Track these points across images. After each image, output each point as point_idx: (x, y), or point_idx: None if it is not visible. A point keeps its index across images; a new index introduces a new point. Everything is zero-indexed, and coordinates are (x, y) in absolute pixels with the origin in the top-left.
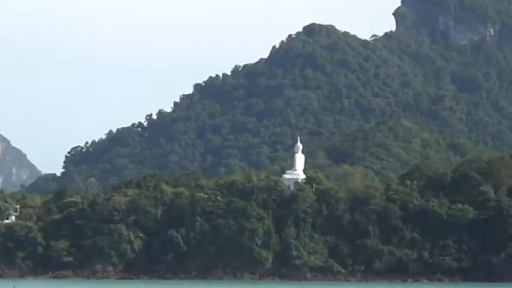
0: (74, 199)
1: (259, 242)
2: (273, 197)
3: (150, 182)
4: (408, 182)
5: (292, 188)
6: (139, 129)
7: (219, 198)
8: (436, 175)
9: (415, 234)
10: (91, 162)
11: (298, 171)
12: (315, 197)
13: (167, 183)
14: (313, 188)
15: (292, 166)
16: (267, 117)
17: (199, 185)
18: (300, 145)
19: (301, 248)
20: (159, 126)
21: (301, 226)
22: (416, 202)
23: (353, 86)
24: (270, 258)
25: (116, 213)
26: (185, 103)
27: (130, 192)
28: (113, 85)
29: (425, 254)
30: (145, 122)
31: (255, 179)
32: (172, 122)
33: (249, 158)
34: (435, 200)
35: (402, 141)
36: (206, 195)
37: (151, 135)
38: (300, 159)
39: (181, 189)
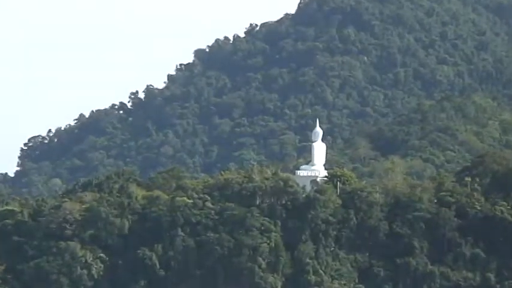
0: (10, 207)
1: (263, 264)
2: (283, 201)
3: (114, 182)
4: (468, 179)
5: (308, 189)
6: (120, 112)
7: (208, 204)
8: (506, 170)
9: (477, 251)
10: (55, 158)
11: (317, 167)
12: (339, 201)
13: (138, 184)
14: (338, 189)
15: (309, 159)
16: (294, 93)
17: (182, 186)
18: (319, 130)
19: (321, 271)
20: (148, 107)
21: (321, 241)
22: (478, 207)
23: (410, 51)
24: (279, 284)
25: (67, 226)
26: (183, 76)
27: (88, 197)
28: (84, 52)
29: (491, 276)
30: (128, 102)
31: (257, 177)
32: (165, 102)
33: (269, 150)
34: (504, 204)
35: (475, 124)
36: (191, 201)
37: (136, 120)
38: (319, 149)
39: (157, 192)
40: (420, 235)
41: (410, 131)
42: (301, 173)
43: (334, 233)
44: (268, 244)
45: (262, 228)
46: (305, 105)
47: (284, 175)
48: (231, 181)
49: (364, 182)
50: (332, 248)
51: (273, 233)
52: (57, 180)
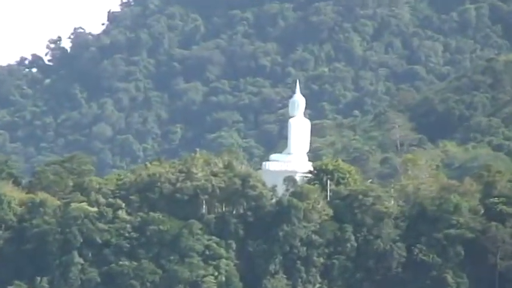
0: None
1: None
2: (240, 210)
3: None
4: None
5: (281, 191)
6: (33, 70)
7: (122, 214)
8: None
9: None
10: None
11: (295, 157)
12: (330, 211)
13: (16, 182)
14: (329, 192)
15: (283, 146)
16: (302, 43)
17: (83, 186)
18: (298, 99)
19: None
20: (76, 64)
21: (299, 274)
22: None
23: None
24: None
25: None
26: (131, 15)
27: None
28: None
29: None
30: (46, 55)
31: (200, 172)
32: (102, 55)
33: (263, 131)
34: None
35: None
36: (95, 209)
37: (57, 83)
38: (299, 129)
39: (42, 195)
40: (457, 265)
41: (474, 103)
42: (269, 166)
43: (321, 260)
44: (216, 278)
45: (207, 252)
46: (319, 60)
47: (243, 169)
48: (159, 178)
49: (370, 181)
50: (317, 285)
51: (224, 261)
52: None
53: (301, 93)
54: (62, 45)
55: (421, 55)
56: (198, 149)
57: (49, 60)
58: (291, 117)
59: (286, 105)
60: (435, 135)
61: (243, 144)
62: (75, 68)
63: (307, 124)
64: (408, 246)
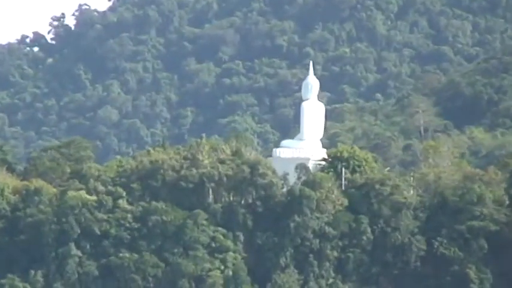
0: None
1: None
2: (249, 200)
3: None
4: None
5: (293, 179)
6: (34, 49)
7: (123, 203)
8: None
9: None
10: None
11: (307, 143)
12: (345, 201)
13: (10, 168)
14: (343, 181)
15: (296, 132)
16: (320, 21)
17: (81, 173)
18: (312, 82)
19: None
20: (79, 42)
21: (311, 268)
22: None
23: None
24: None
25: None
26: None
27: None
28: None
29: None
30: (48, 33)
31: (206, 159)
32: (108, 33)
33: (279, 115)
34: None
35: None
36: (94, 197)
37: (60, 63)
38: (313, 114)
39: (37, 182)
40: (480, 260)
41: (504, 87)
42: (280, 152)
43: (335, 254)
44: (223, 272)
45: (213, 245)
46: (340, 40)
47: (252, 156)
48: (162, 165)
49: (388, 169)
50: (331, 280)
51: (231, 254)
52: None
53: (320, 75)
54: (65, 22)
55: (448, 35)
56: (204, 134)
57: (52, 39)
58: (304, 100)
59: None
60: (462, 121)
61: (258, 130)
62: (80, 47)
63: (321, 108)
64: (428, 239)
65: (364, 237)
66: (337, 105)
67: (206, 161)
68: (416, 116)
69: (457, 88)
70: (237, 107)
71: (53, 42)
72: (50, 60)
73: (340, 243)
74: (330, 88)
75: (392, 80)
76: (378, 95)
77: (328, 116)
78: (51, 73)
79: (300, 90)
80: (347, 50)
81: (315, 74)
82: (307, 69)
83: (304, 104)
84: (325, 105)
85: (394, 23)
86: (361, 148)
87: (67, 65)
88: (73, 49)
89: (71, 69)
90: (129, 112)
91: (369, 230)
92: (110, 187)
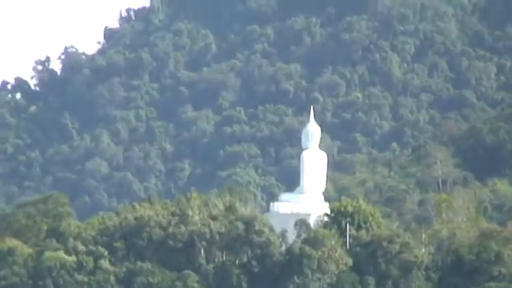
0: None
1: None
2: (243, 259)
3: None
4: None
5: (292, 237)
6: (16, 96)
7: (105, 264)
8: None
9: None
10: None
11: (308, 196)
12: (349, 261)
13: None
14: (348, 238)
15: (295, 185)
16: (331, 62)
17: (59, 231)
18: (312, 129)
19: None
20: (66, 89)
21: None
22: None
23: None
24: None
25: None
26: (131, 31)
27: None
28: None
29: None
30: (32, 78)
31: (196, 215)
32: (97, 78)
33: (286, 167)
34: None
35: None
36: (73, 258)
37: (45, 111)
38: (314, 164)
39: (12, 242)
40: None
41: None
42: (278, 207)
43: None
44: None
45: None
46: (352, 85)
47: (247, 212)
48: (148, 222)
49: (397, 225)
50: None
51: None
52: None
53: (330, 122)
54: (50, 67)
55: (470, 78)
56: (193, 188)
57: (35, 85)
58: (304, 149)
59: None
60: (483, 172)
61: (262, 183)
62: (66, 93)
63: (323, 158)
64: None
65: None
66: (348, 156)
67: (196, 217)
68: (434, 167)
69: (478, 136)
70: (238, 158)
71: (37, 88)
72: (33, 108)
73: None
74: (340, 137)
75: (410, 128)
76: (394, 145)
77: (337, 168)
78: (35, 122)
79: None
80: (359, 95)
81: (323, 122)
82: (315, 116)
83: (304, 154)
84: (335, 155)
85: (411, 65)
86: (373, 203)
87: (52, 113)
88: (59, 96)
89: (56, 117)
90: (120, 164)
91: None
92: (90, 246)
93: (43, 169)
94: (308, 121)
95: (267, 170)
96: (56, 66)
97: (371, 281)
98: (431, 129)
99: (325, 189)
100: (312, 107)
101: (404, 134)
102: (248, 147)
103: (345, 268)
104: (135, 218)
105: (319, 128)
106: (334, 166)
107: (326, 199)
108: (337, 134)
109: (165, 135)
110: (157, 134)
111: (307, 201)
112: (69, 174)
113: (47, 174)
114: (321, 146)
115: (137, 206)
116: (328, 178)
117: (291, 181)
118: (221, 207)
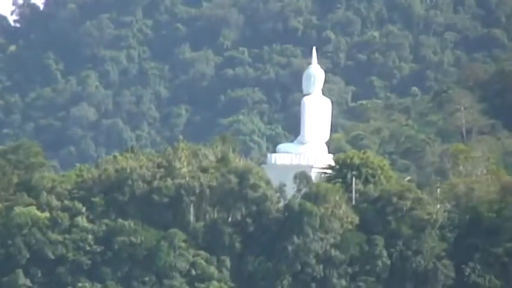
0: None
1: None
2: (237, 217)
3: None
4: None
5: (291, 191)
6: None
7: (82, 220)
8: None
9: None
10: None
11: (309, 146)
12: (356, 219)
13: None
14: (354, 193)
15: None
16: None
17: (31, 185)
18: (315, 72)
19: None
20: (50, 25)
21: None
22: None
23: None
24: None
25: None
26: None
27: None
28: None
29: None
30: (12, 14)
31: (184, 166)
32: (83, 13)
33: (293, 113)
34: None
35: None
36: (47, 214)
37: (26, 50)
38: (316, 110)
39: None
40: None
41: None
42: (276, 158)
43: (343, 283)
44: None
45: (194, 272)
46: (367, 22)
47: (242, 163)
48: (130, 174)
49: (408, 179)
50: None
51: (215, 283)
52: None
53: (344, 64)
54: (32, 1)
55: (500, 15)
56: (181, 137)
57: (15, 21)
58: (306, 95)
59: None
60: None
61: (267, 132)
62: (49, 31)
63: (327, 104)
64: (458, 264)
65: (379, 263)
66: (363, 102)
67: (185, 170)
68: (457, 114)
69: (507, 80)
70: (241, 104)
71: (17, 25)
72: (13, 47)
73: (350, 270)
74: (355, 81)
75: (433, 71)
76: (415, 89)
77: (351, 115)
78: (15, 63)
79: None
80: (376, 34)
81: (336, 64)
82: (326, 57)
83: (305, 100)
84: (350, 101)
85: (435, 1)
86: (389, 154)
87: (34, 53)
88: (41, 34)
89: (38, 58)
90: (110, 110)
91: (384, 253)
92: (66, 201)
93: (23, 115)
94: (310, 63)
95: (273, 118)
96: (38, 0)
97: (379, 241)
98: (457, 72)
99: (336, 139)
100: (314, 47)
101: (426, 78)
102: (252, 91)
103: (350, 227)
104: (116, 171)
105: (322, 71)
106: (348, 113)
107: (337, 150)
108: (352, 78)
109: (160, 78)
110: (151, 77)
111: (308, 152)
112: (52, 121)
113: (28, 120)
114: (334, 90)
115: (119, 157)
116: (340, 127)
117: (300, 130)
118: (212, 158)
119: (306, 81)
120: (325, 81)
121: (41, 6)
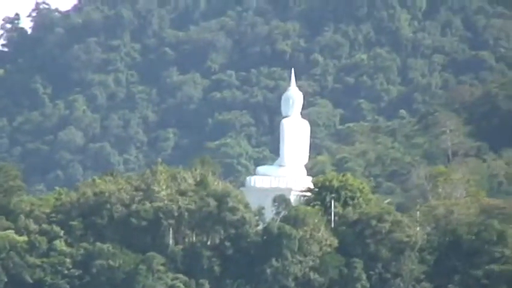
0: None
1: None
2: (216, 240)
3: None
4: None
5: (270, 214)
6: None
7: (60, 244)
8: None
9: None
10: None
11: (288, 169)
12: (335, 242)
13: None
14: (333, 216)
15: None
16: (331, 16)
17: (7, 206)
18: (293, 94)
19: None
20: (37, 49)
21: None
22: None
23: None
24: None
25: None
26: None
27: None
28: None
29: None
30: (0, 38)
31: (163, 189)
32: (71, 37)
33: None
34: None
35: None
36: (24, 238)
37: (13, 75)
38: (294, 133)
39: None
40: None
41: None
42: (254, 181)
43: None
44: None
45: None
46: (355, 45)
47: (220, 186)
48: (109, 198)
49: (388, 200)
50: None
51: None
52: None
53: (331, 87)
54: (20, 25)
55: (488, 38)
56: (160, 160)
57: (3, 45)
58: (284, 117)
59: (311, 104)
60: (498, 142)
61: (255, 155)
62: (37, 55)
63: (305, 127)
64: (437, 286)
65: (359, 286)
66: (350, 125)
67: (163, 193)
68: (443, 136)
69: (493, 102)
70: (229, 127)
71: (5, 49)
72: (0, 71)
73: None
74: (343, 104)
75: (420, 94)
76: (403, 112)
77: (339, 138)
78: (3, 87)
79: (307, 106)
80: (364, 57)
81: (324, 87)
82: (314, 80)
83: (284, 122)
84: (338, 124)
85: (422, 23)
86: (374, 177)
87: (22, 77)
88: (29, 58)
89: (26, 82)
90: (97, 135)
91: (364, 276)
92: (44, 225)
93: (11, 139)
94: (289, 86)
95: (260, 140)
96: (27, 24)
97: (358, 263)
98: (445, 95)
99: (321, 162)
100: (292, 69)
101: (414, 100)
102: (240, 114)
103: (329, 249)
104: (95, 194)
105: (301, 94)
106: (336, 136)
107: (321, 173)
108: (340, 101)
109: (148, 102)
110: (138, 101)
111: (287, 175)
112: (40, 145)
113: (15, 144)
114: (322, 113)
115: (97, 180)
116: (326, 149)
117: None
118: (191, 181)
119: (284, 103)
120: (313, 104)
121: (29, 31)
